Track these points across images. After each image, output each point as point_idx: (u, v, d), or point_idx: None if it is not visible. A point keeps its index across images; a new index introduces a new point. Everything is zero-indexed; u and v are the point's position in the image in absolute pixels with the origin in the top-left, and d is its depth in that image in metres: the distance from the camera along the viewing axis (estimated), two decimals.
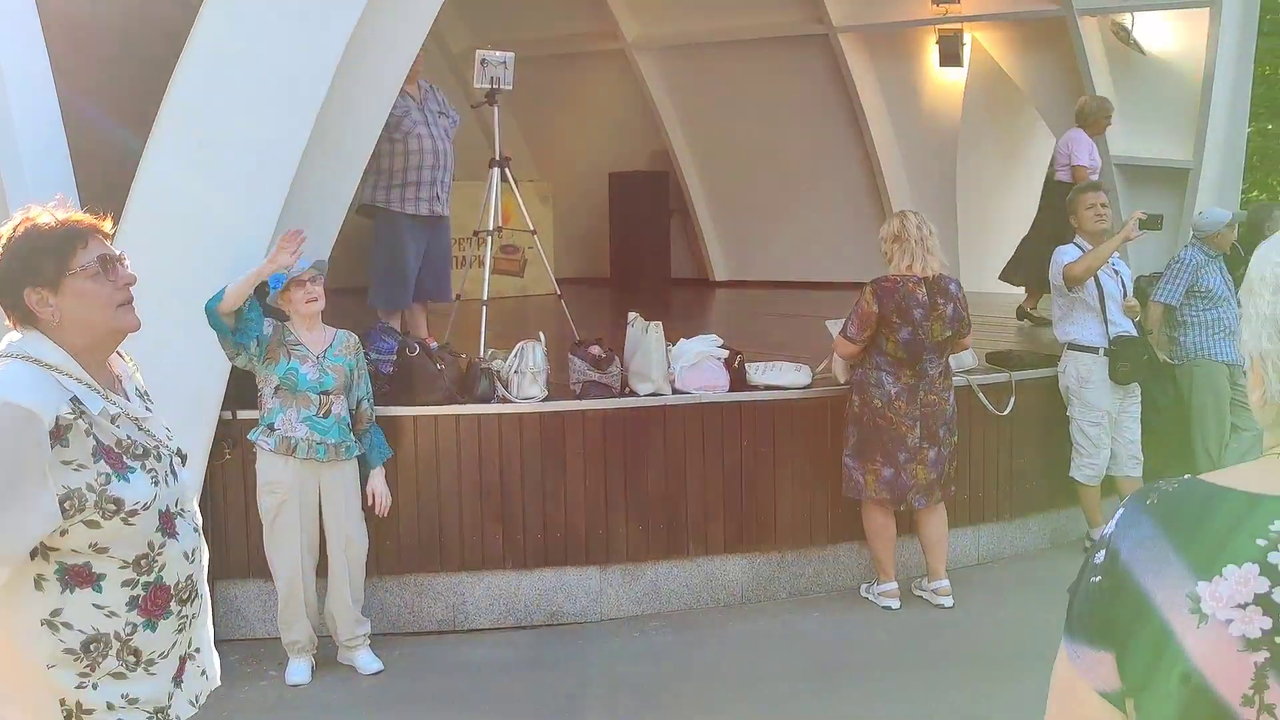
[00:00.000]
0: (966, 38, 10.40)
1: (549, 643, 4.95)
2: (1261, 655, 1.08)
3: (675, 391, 5.25)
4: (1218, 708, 1.10)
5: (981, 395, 5.70)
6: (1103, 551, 1.21)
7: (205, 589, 2.20)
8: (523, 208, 6.71)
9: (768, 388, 5.41)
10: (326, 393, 4.45)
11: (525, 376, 5.10)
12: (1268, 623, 1.08)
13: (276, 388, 4.42)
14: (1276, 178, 28.79)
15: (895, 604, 5.22)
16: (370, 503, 4.68)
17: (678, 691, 4.41)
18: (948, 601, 5.19)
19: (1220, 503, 1.14)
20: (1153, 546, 1.15)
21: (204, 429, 4.68)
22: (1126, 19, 8.95)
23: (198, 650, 2.18)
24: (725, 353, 5.41)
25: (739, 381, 5.39)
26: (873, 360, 5.13)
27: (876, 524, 5.22)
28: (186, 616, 2.11)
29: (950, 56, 10.40)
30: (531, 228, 6.78)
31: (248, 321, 4.34)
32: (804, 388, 5.47)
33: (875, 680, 4.45)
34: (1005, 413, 5.74)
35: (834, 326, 5.62)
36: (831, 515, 5.50)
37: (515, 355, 5.16)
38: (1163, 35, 9.08)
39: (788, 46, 11.37)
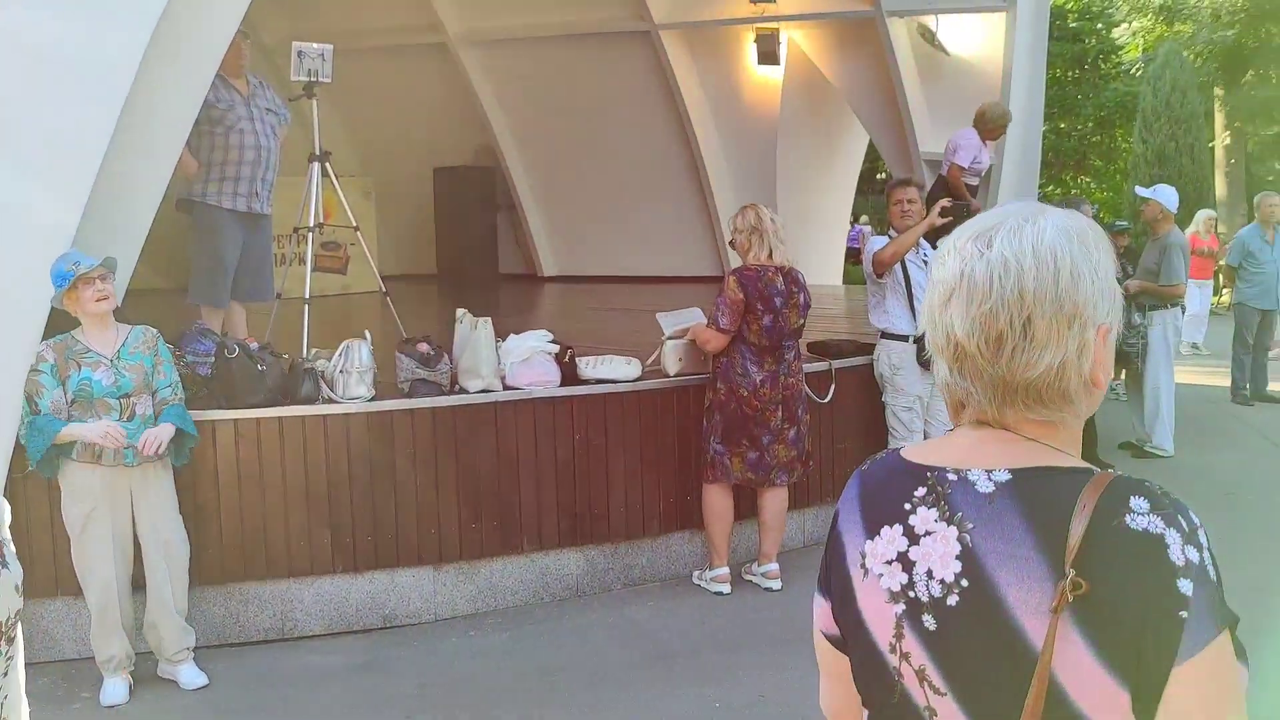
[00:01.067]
0: (783, 37, 10.70)
1: (383, 646, 4.86)
2: (900, 607, 1.20)
3: (506, 388, 5.23)
4: (875, 654, 1.24)
5: (804, 384, 5.89)
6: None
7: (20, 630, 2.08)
8: (345, 203, 6.56)
9: (599, 381, 5.46)
10: (126, 395, 4.23)
11: (351, 376, 4.99)
12: (905, 578, 1.19)
13: (72, 400, 4.18)
14: (1069, 173, 30.68)
15: (726, 589, 5.35)
16: (143, 445, 4.18)
17: (516, 688, 4.41)
18: (776, 584, 5.35)
19: (897, 471, 1.26)
20: (851, 507, 1.30)
21: (2, 440, 4.39)
22: (931, 21, 9.37)
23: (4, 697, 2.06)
24: (555, 348, 5.42)
25: (570, 376, 5.42)
26: (737, 349, 5.25)
27: (718, 508, 5.34)
28: (11, 658, 1.99)
29: (768, 55, 10.68)
30: (354, 224, 6.63)
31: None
32: (635, 380, 5.54)
33: (707, 664, 4.56)
34: (826, 400, 5.95)
35: (664, 320, 5.72)
36: (664, 505, 5.60)
37: (340, 355, 5.04)
38: (964, 38, 9.55)
39: (611, 43, 11.47)
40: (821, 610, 1.36)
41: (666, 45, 11.07)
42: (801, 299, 5.33)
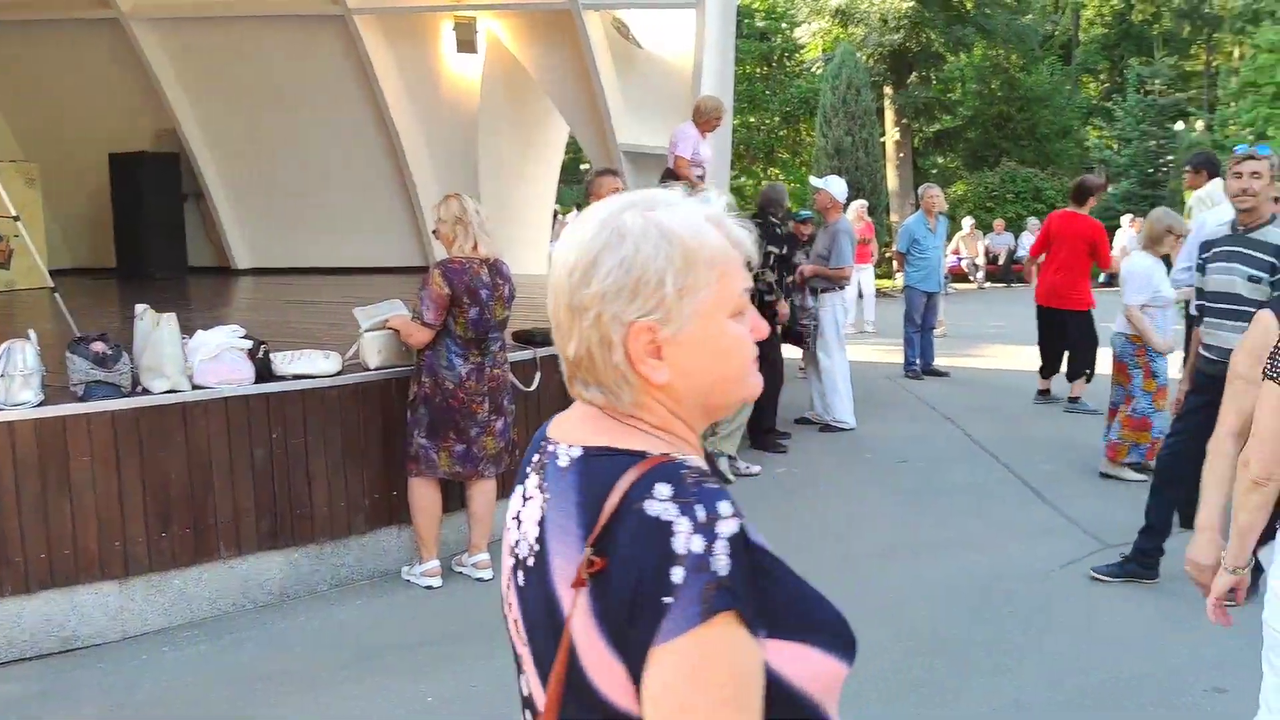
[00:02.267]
0: (481, 26, 10.67)
1: (62, 672, 4.48)
2: (511, 560, 1.29)
3: (195, 387, 4.94)
4: (502, 600, 1.33)
5: (510, 374, 5.91)
6: None
7: None
8: (2, 192, 5.98)
9: (296, 377, 5.26)
10: None
11: (15, 380, 4.55)
12: (515, 536, 1.28)
13: None
14: (760, 165, 32.35)
15: (437, 582, 5.31)
16: None
17: (214, 701, 4.19)
18: (488, 574, 5.36)
19: (538, 439, 1.35)
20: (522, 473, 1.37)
21: None
22: (625, 14, 9.62)
23: None
24: (248, 343, 5.17)
25: (265, 373, 5.19)
26: (442, 342, 5.16)
27: (425, 501, 5.28)
28: None
29: (466, 44, 10.62)
30: (14, 214, 6.06)
31: None
32: (334, 375, 5.37)
33: (419, 659, 4.51)
34: (532, 389, 6.01)
35: (361, 314, 5.57)
36: (370, 501, 5.48)
37: (1, 357, 4.59)
38: (657, 32, 9.87)
39: (303, 26, 11.05)
40: None
41: (362, 31, 10.79)
42: (507, 291, 5.34)
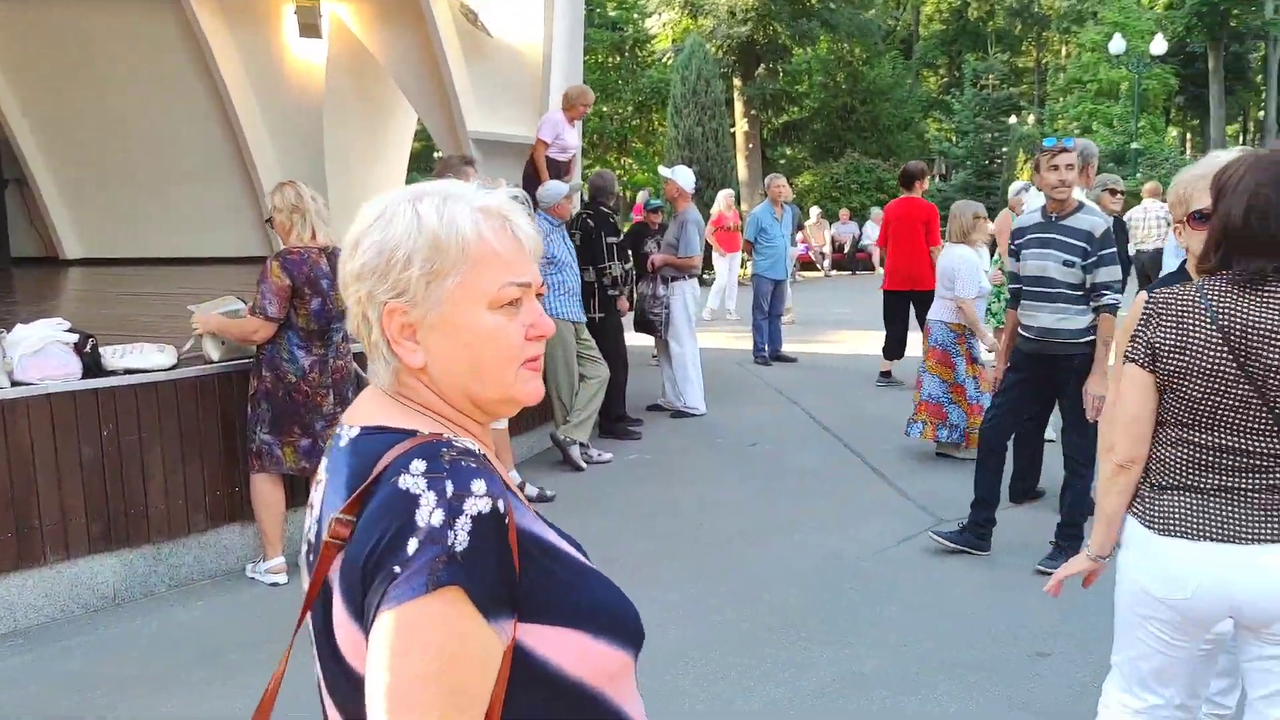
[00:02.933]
0: (325, 9, 10.41)
1: None
2: (305, 545, 1.32)
3: (15, 384, 4.70)
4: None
5: (353, 364, 5.81)
6: None
7: None
8: None
9: (128, 371, 5.05)
10: None
11: None
12: (310, 520, 1.31)
13: None
14: (613, 155, 32.50)
15: (283, 579, 5.19)
16: None
17: (38, 713, 4.00)
18: None
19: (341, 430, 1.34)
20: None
21: None
22: (473, 1, 9.52)
23: None
24: (74, 337, 4.94)
25: (95, 368, 4.97)
26: (283, 335, 5.02)
27: (268, 497, 5.14)
28: None
29: (309, 28, 10.36)
30: None
31: None
32: (170, 369, 5.18)
33: (262, 657, 4.39)
34: None
35: (200, 310, 5.37)
36: (211, 499, 5.31)
37: None
38: (505, 19, 9.80)
39: (136, 8, 10.58)
40: None
41: (198, 13, 10.39)
42: None
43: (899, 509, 6.30)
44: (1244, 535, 2.34)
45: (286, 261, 4.99)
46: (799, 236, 22.32)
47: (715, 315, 15.34)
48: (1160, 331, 2.40)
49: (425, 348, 1.25)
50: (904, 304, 9.80)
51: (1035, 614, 4.63)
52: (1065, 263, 5.02)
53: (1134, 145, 28.28)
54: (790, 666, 4.22)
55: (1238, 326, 2.30)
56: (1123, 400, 2.48)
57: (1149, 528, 2.45)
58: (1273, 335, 2.27)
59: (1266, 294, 2.30)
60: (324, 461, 1.31)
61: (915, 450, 7.50)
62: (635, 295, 8.61)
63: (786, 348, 11.78)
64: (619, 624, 1.22)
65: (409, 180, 9.45)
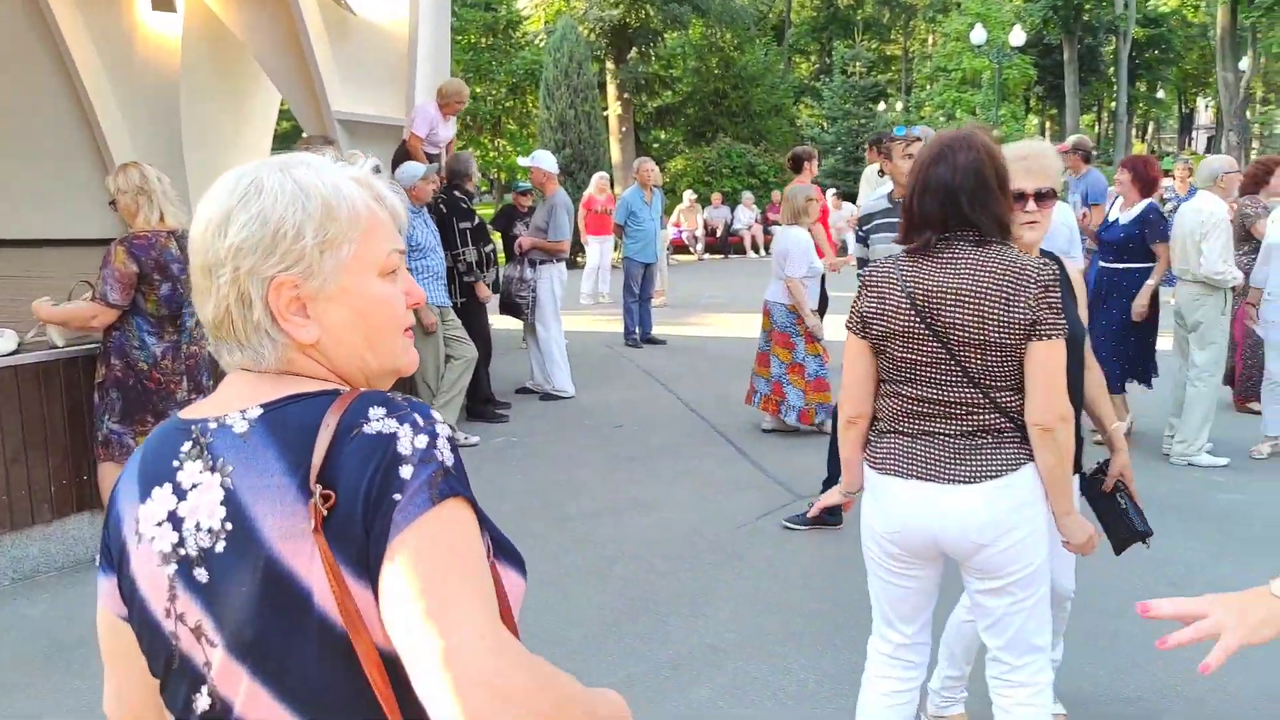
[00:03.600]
0: None
1: None
2: (172, 568, 1.18)
3: None
4: (151, 622, 1.22)
5: (207, 349, 5.69)
6: None
7: None
8: None
9: None
10: None
11: None
12: (175, 537, 1.18)
13: None
14: (488, 136, 32.21)
15: None
16: None
17: None
18: None
19: (170, 430, 1.25)
20: (129, 475, 1.27)
21: None
22: None
23: None
24: None
25: None
26: (131, 321, 4.88)
27: None
28: None
29: (163, 2, 10.02)
30: None
31: None
32: (12, 354, 5.01)
33: None
34: None
35: (43, 306, 5.15)
36: (57, 488, 5.15)
37: None
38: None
39: None
40: (106, 588, 1.29)
41: None
42: None
43: (760, 485, 6.47)
44: (942, 475, 2.60)
45: (133, 246, 4.83)
46: (672, 220, 22.54)
47: (592, 299, 15.41)
48: (866, 302, 2.69)
49: (318, 320, 1.21)
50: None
51: None
52: None
53: (995, 133, 29.26)
54: (645, 640, 4.33)
55: (920, 292, 2.58)
56: (845, 364, 2.76)
57: (873, 468, 2.75)
58: (946, 296, 2.54)
59: (942, 260, 2.58)
60: (183, 472, 1.20)
61: (777, 430, 7.70)
62: (500, 279, 8.60)
63: (657, 330, 11.92)
64: (515, 555, 1.26)
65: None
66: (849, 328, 2.74)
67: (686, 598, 4.77)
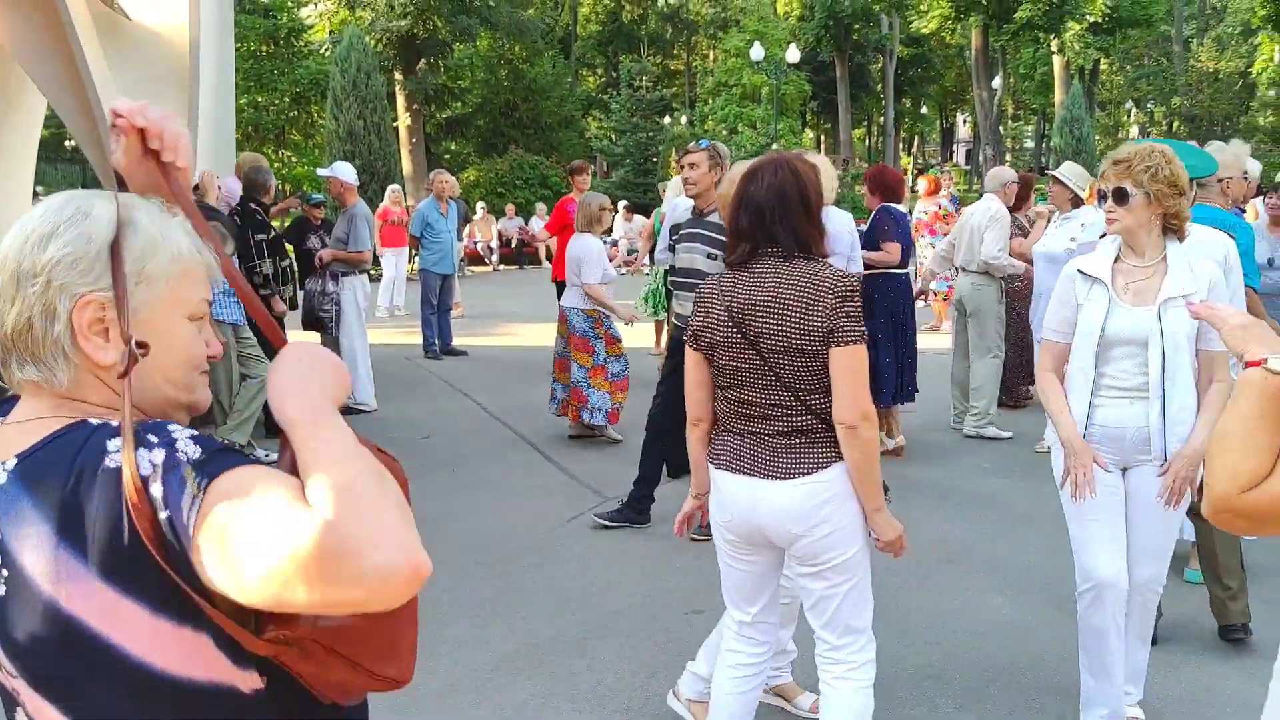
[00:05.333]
0: None
1: None
2: None
3: None
4: None
5: None
6: None
7: None
8: None
9: None
10: None
11: None
12: None
13: None
14: (271, 147, 31.21)
15: None
16: None
17: None
18: None
19: None
20: None
21: None
22: None
23: None
24: None
25: None
26: None
27: None
28: None
29: None
30: None
31: None
32: None
33: None
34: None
35: None
36: None
37: None
38: (148, 3, 9.24)
39: None
40: None
41: None
42: None
43: (568, 488, 6.61)
44: (763, 471, 2.84)
45: None
46: (466, 231, 22.47)
47: (388, 312, 15.21)
48: (696, 316, 2.95)
49: (118, 347, 1.23)
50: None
51: (691, 575, 5.05)
52: (709, 255, 5.48)
53: (774, 146, 30.54)
54: (464, 645, 4.39)
55: (736, 304, 2.82)
56: (685, 373, 3.02)
57: (712, 464, 2.99)
58: (756, 307, 2.78)
59: (755, 274, 2.82)
60: None
61: (582, 435, 7.86)
62: (299, 293, 8.42)
63: (457, 341, 11.90)
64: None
65: (39, 169, 8.72)
66: (686, 340, 2.98)
67: (503, 601, 4.85)
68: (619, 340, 7.62)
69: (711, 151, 5.53)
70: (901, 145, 62.82)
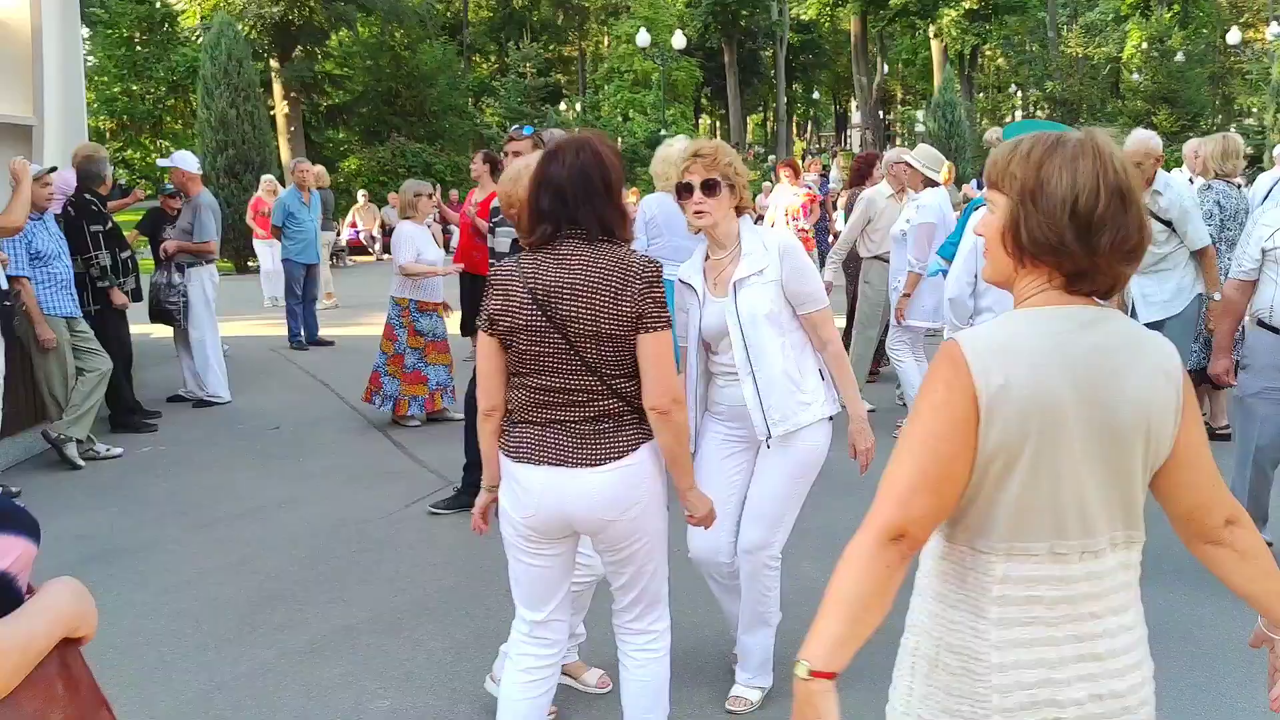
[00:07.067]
0: None
1: None
2: None
3: None
4: None
5: None
6: None
7: None
8: None
9: None
10: None
11: None
12: None
13: None
14: (148, 136, 30.40)
15: None
16: None
17: None
18: None
19: None
20: None
21: None
22: None
23: None
24: None
25: None
26: None
27: None
28: None
29: None
30: None
31: None
32: None
33: None
34: None
35: None
36: None
37: None
38: None
39: None
40: None
41: None
42: None
43: (411, 474, 6.67)
44: (569, 460, 2.76)
45: None
46: (348, 220, 22.23)
47: (274, 303, 14.98)
48: (493, 300, 2.79)
49: None
50: (475, 285, 10.17)
51: None
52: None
53: (663, 133, 30.72)
54: (281, 629, 4.44)
55: (540, 287, 2.72)
56: (478, 360, 2.89)
57: (509, 456, 2.84)
58: (564, 291, 2.70)
59: (559, 256, 2.73)
60: None
61: (435, 422, 7.91)
62: (142, 285, 8.28)
63: (329, 332, 11.82)
64: (27, 523, 1.39)
65: None
66: (477, 325, 2.85)
67: (326, 585, 4.90)
68: (423, 335, 7.67)
69: (536, 139, 5.60)
70: (796, 130, 63.71)
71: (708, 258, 3.50)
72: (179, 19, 28.24)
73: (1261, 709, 3.56)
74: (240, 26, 22.07)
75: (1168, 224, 5.87)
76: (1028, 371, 1.63)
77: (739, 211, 3.43)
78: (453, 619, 4.51)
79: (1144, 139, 5.66)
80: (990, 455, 1.64)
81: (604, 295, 2.68)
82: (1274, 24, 26.71)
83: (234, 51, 19.52)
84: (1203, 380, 6.17)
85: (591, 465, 2.75)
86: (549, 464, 2.77)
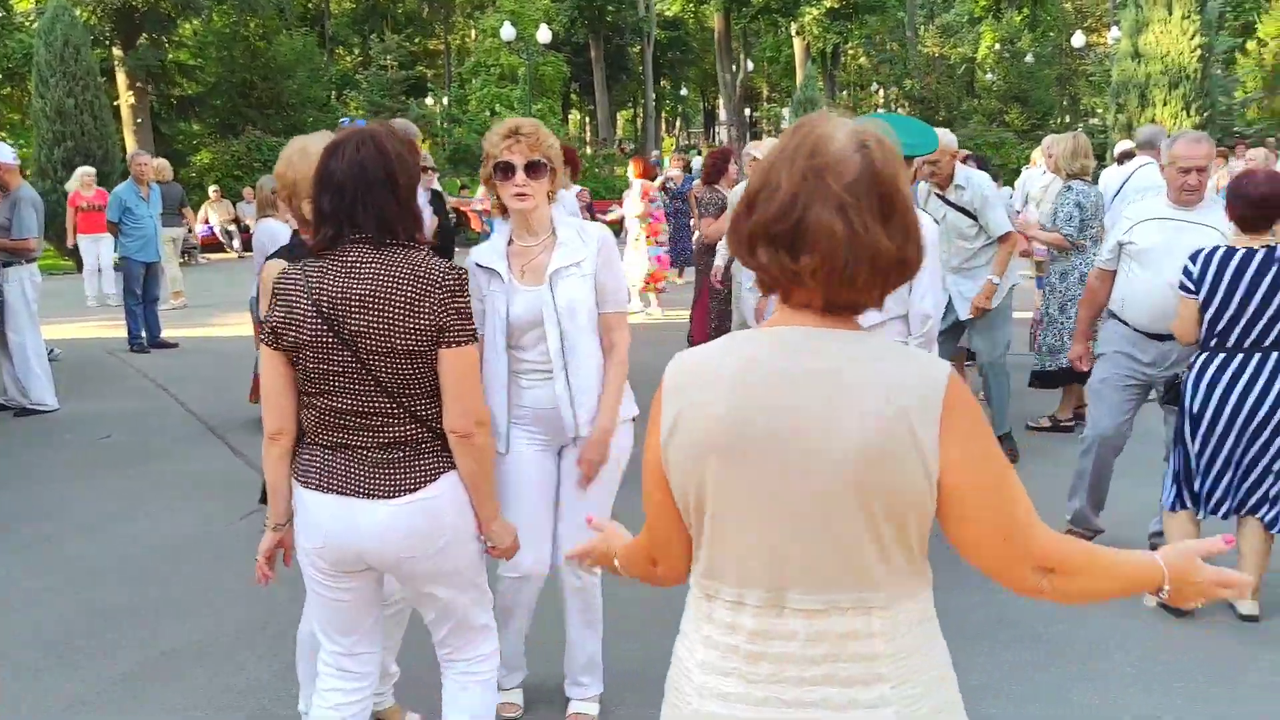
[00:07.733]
0: None
1: None
2: None
3: None
4: None
5: None
6: None
7: None
8: None
9: None
10: None
11: None
12: None
13: None
14: None
15: None
16: None
17: None
18: None
19: None
20: None
21: None
22: None
23: None
24: None
25: None
26: None
27: None
28: None
29: None
30: None
31: None
32: None
33: None
34: None
35: None
36: None
37: None
38: None
39: None
40: None
41: None
42: None
43: (252, 484, 6.25)
44: (360, 490, 2.49)
45: None
46: (200, 216, 21.34)
47: (98, 302, 14.22)
48: (276, 311, 2.49)
49: None
50: None
51: None
52: None
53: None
54: (97, 656, 4.13)
55: (326, 298, 2.42)
56: (261, 379, 2.58)
57: (297, 479, 2.58)
58: (351, 302, 2.41)
59: (346, 263, 2.44)
60: None
61: None
62: None
63: (173, 333, 11.26)
64: None
65: None
66: (260, 338, 2.52)
67: (145, 607, 4.59)
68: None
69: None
70: (664, 126, 64.07)
71: (511, 242, 3.27)
72: (12, 3, 26.70)
73: (1099, 695, 3.62)
74: (78, 12, 20.95)
75: (973, 217, 6.10)
76: (697, 404, 1.51)
77: (549, 197, 3.23)
78: (284, 641, 4.24)
79: (940, 135, 5.69)
80: (680, 490, 1.57)
81: (397, 306, 2.40)
82: (1114, 29, 27.92)
83: (71, 37, 18.49)
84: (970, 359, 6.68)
85: (385, 497, 2.47)
86: (338, 492, 2.50)
